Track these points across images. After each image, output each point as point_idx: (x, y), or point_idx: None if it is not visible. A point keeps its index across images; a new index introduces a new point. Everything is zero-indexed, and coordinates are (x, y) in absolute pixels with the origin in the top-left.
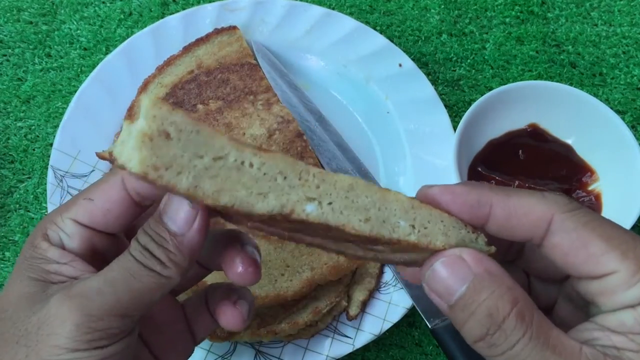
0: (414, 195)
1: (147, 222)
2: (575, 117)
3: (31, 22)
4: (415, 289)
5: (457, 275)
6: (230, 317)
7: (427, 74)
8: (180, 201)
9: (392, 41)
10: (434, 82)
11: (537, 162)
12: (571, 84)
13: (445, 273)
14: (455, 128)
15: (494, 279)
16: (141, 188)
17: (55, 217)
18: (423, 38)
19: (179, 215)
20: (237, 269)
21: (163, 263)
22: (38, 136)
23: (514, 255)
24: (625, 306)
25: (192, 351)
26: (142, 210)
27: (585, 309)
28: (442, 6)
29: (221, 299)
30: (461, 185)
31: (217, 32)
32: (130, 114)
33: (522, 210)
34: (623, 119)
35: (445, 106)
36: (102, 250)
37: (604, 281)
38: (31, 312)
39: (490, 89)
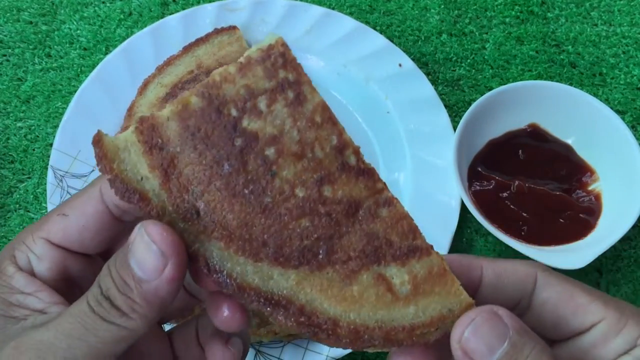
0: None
1: (114, 257)
2: (575, 117)
3: (31, 22)
4: None
5: (496, 332)
6: (221, 359)
7: (427, 74)
8: (148, 243)
9: (392, 41)
10: (433, 82)
11: (537, 162)
12: (571, 84)
13: (487, 329)
14: (455, 128)
15: (531, 334)
16: (120, 201)
17: (26, 237)
18: (423, 38)
19: (146, 260)
20: (222, 314)
21: (125, 314)
22: (38, 136)
23: None
24: (621, 353)
25: None
26: (121, 226)
27: None
28: (442, 6)
29: (213, 334)
30: (454, 255)
31: (217, 32)
32: (130, 114)
33: (510, 269)
34: (623, 119)
35: (445, 106)
36: (75, 274)
37: (593, 332)
38: None
39: (490, 88)
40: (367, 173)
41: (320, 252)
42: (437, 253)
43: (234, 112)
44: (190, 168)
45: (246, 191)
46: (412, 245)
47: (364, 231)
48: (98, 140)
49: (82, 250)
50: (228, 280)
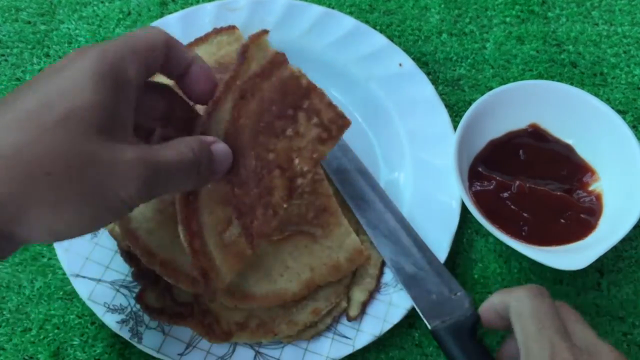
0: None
1: None
2: (576, 117)
3: (29, 22)
4: (414, 289)
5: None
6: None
7: (427, 74)
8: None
9: (392, 41)
10: (434, 82)
11: (537, 162)
12: (572, 84)
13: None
14: (455, 128)
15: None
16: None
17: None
18: (423, 37)
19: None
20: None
21: None
22: None
23: None
24: None
25: None
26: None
27: None
28: (442, 5)
29: None
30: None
31: (216, 32)
32: None
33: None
34: (624, 118)
35: (446, 106)
36: None
37: None
38: None
39: (491, 88)
40: None
41: None
42: None
43: None
44: None
45: None
46: None
47: None
48: None
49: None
50: None
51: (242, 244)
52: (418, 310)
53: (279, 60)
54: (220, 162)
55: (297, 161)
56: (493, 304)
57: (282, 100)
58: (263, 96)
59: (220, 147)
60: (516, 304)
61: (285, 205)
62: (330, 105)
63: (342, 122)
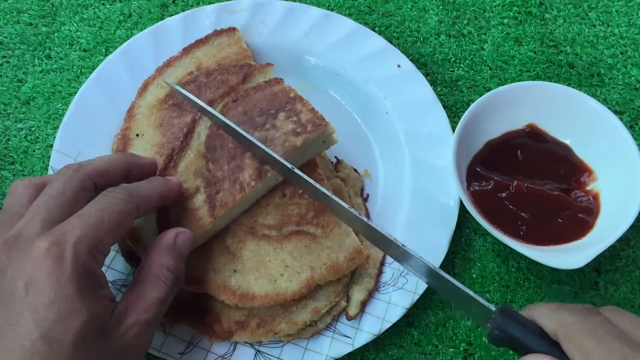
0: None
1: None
2: (573, 117)
3: (31, 24)
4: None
5: None
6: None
7: (426, 75)
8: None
9: (390, 42)
10: (432, 83)
11: (535, 162)
12: (569, 85)
13: None
14: (453, 128)
15: None
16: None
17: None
18: (421, 39)
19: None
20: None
21: None
22: (38, 137)
23: None
24: None
25: None
26: None
27: None
28: (441, 7)
29: None
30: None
31: (217, 33)
32: (130, 115)
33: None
34: (621, 119)
35: (444, 107)
36: None
37: None
38: None
39: (489, 89)
40: None
41: None
42: None
43: None
44: None
45: None
46: None
47: None
48: None
49: None
50: None
51: (205, 211)
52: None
53: (276, 80)
54: (185, 247)
55: (269, 149)
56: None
57: (268, 104)
58: (252, 100)
59: (181, 239)
60: (564, 329)
61: (253, 184)
62: (312, 110)
63: (319, 122)
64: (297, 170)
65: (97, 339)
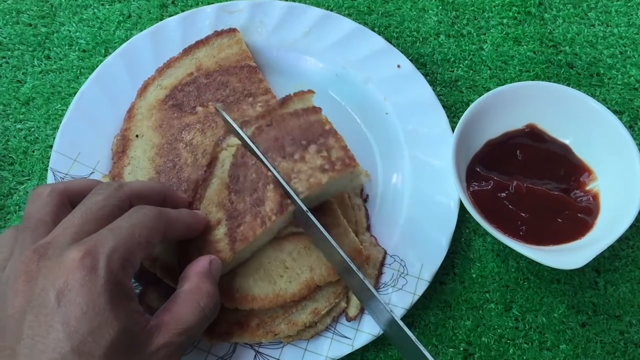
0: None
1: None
2: (572, 117)
3: (30, 25)
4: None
5: None
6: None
7: (425, 75)
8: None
9: (390, 42)
10: (432, 83)
11: (535, 162)
12: (569, 85)
13: None
14: (453, 129)
15: None
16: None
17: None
18: (421, 39)
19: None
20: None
21: None
22: (37, 138)
23: None
24: None
25: None
26: None
27: None
28: (440, 7)
29: None
30: None
31: (217, 34)
32: (130, 115)
33: None
34: (620, 119)
35: (444, 107)
36: None
37: None
38: None
39: (488, 89)
40: None
41: None
42: None
43: None
44: None
45: None
46: None
47: None
48: None
49: None
50: None
51: (225, 244)
52: None
53: (314, 109)
54: (218, 272)
55: (294, 181)
56: None
57: (301, 134)
58: (286, 127)
59: (214, 267)
60: None
61: (274, 219)
62: (344, 148)
63: (348, 162)
64: (310, 215)
65: (126, 354)
